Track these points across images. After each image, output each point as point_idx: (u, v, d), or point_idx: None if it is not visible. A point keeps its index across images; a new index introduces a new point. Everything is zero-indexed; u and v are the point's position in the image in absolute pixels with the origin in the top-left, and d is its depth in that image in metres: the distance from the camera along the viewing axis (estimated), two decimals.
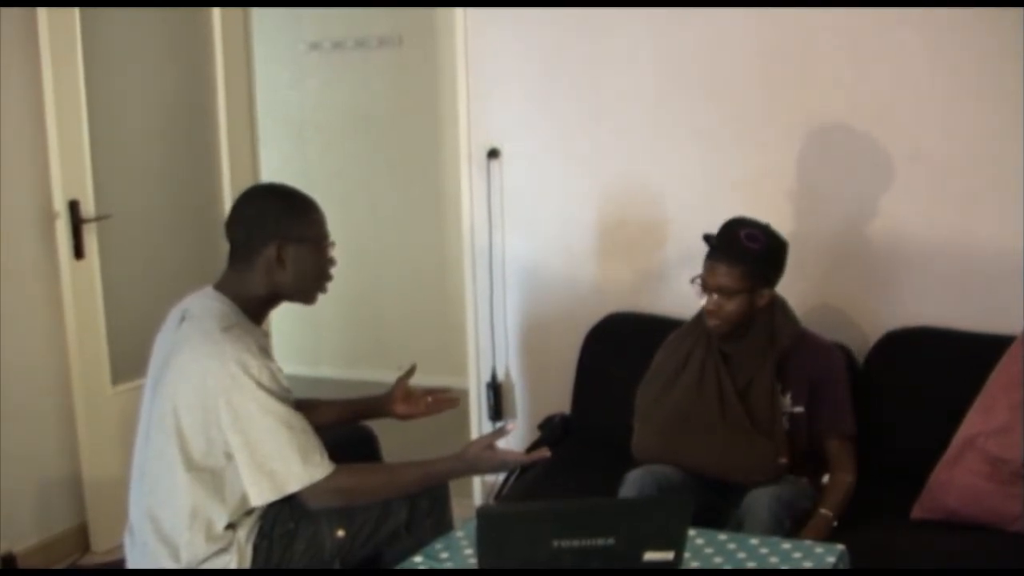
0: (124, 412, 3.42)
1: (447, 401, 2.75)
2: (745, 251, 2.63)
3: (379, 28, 5.25)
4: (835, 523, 2.60)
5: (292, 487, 2.28)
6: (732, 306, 2.64)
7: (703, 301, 2.67)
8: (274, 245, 2.34)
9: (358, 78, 5.37)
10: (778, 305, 2.75)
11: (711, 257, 2.67)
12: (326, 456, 2.31)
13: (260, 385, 2.25)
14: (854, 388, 2.87)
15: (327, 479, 2.29)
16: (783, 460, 2.67)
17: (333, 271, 2.46)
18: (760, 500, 2.56)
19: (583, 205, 3.49)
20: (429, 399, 2.74)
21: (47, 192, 3.40)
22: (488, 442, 2.43)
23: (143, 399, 2.43)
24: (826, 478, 2.72)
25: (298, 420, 2.30)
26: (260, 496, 2.28)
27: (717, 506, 2.64)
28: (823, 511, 2.62)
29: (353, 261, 5.36)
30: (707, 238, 2.69)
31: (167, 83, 3.94)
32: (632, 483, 2.64)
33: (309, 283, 2.42)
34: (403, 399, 2.72)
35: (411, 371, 2.75)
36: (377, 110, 5.35)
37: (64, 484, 3.53)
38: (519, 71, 3.51)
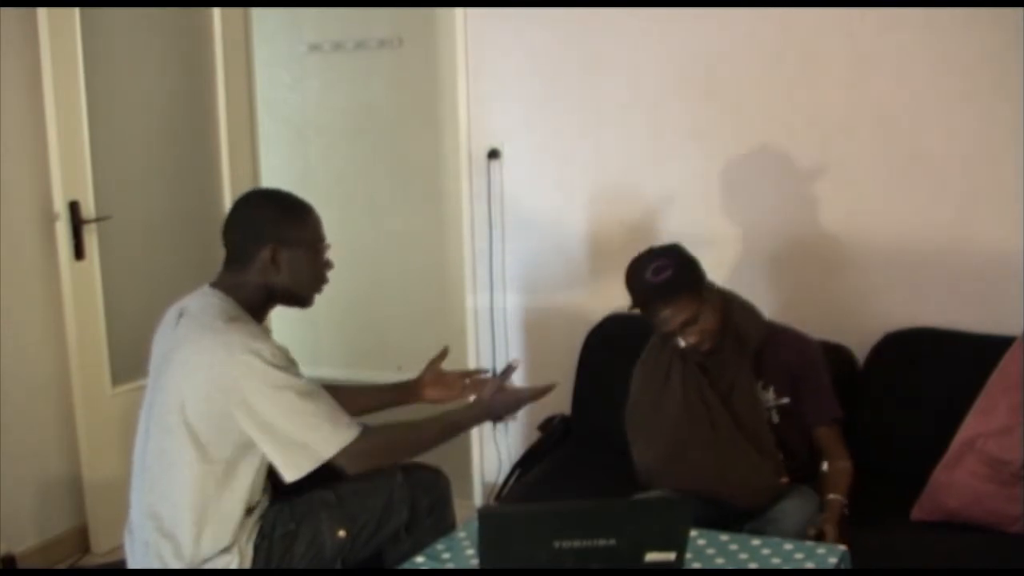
0: (124, 413, 3.42)
1: (486, 382, 2.66)
2: (667, 283, 2.55)
3: (379, 29, 5.24)
4: (847, 508, 2.57)
5: (328, 452, 2.24)
6: (705, 325, 2.59)
7: (681, 344, 2.61)
8: (268, 248, 2.35)
9: (358, 79, 5.36)
10: (735, 305, 2.71)
11: (649, 312, 2.60)
12: (352, 419, 2.30)
13: (274, 366, 2.24)
14: (853, 389, 2.87)
15: (358, 440, 2.26)
16: (784, 479, 2.63)
17: (329, 274, 2.46)
18: (791, 516, 2.53)
19: (583, 205, 3.49)
20: (467, 381, 2.71)
21: (47, 193, 3.41)
22: (498, 384, 2.45)
23: (144, 398, 2.43)
24: (825, 466, 2.67)
25: (318, 388, 2.29)
26: (297, 469, 2.24)
27: (726, 525, 2.59)
28: (833, 496, 2.58)
29: (353, 261, 5.35)
30: (632, 308, 2.63)
31: (167, 84, 3.94)
32: None
33: (304, 286, 2.42)
34: (434, 383, 2.70)
35: (443, 353, 2.72)
36: (377, 111, 5.34)
37: (64, 485, 3.53)
38: (519, 71, 3.51)
